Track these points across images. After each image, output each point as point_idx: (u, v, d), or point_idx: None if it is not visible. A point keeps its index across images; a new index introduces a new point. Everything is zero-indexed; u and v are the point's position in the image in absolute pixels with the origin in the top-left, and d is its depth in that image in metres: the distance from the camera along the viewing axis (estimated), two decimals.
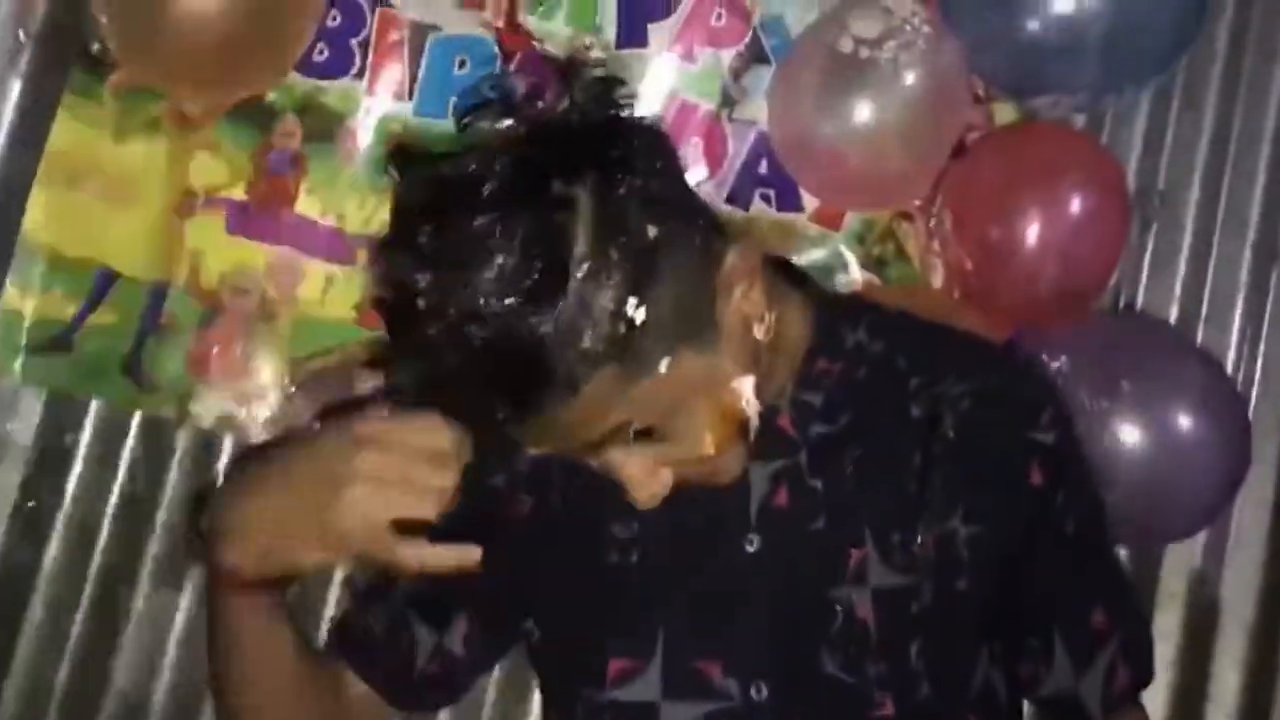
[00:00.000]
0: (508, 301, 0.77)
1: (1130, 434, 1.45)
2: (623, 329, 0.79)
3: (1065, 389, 1.44)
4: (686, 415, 0.86)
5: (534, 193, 0.79)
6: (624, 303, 0.79)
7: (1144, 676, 1.04)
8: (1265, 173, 1.75)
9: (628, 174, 0.81)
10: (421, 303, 0.79)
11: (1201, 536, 1.62)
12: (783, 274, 1.02)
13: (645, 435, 0.86)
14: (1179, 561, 1.67)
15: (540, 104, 0.86)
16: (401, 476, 0.83)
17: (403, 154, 0.86)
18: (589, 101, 0.86)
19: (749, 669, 0.97)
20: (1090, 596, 1.02)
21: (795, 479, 0.97)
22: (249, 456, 0.93)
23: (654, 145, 0.86)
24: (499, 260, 0.77)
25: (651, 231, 0.81)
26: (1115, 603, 1.03)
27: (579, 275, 0.78)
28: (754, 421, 0.90)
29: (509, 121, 0.84)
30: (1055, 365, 1.47)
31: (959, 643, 0.99)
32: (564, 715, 1.04)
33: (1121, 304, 1.70)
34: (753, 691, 0.96)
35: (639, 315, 0.80)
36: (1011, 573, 1.00)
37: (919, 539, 0.96)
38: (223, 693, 0.98)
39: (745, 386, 0.88)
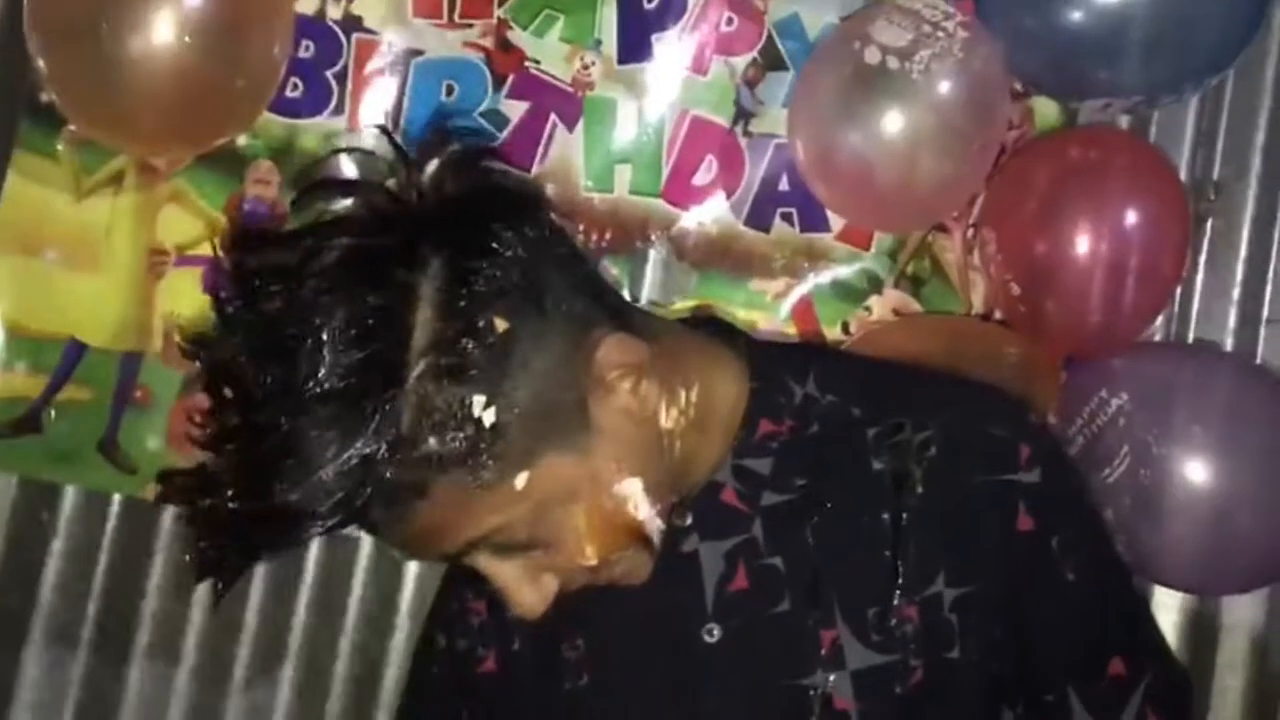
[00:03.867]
0: (330, 390, 0.69)
1: (1196, 476, 1.33)
2: (470, 431, 0.73)
3: (1126, 429, 1.35)
4: (559, 522, 0.79)
5: (370, 278, 0.71)
6: (468, 404, 0.73)
7: None
8: None
9: (481, 261, 0.74)
10: (231, 390, 0.71)
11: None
12: (714, 333, 0.93)
13: (510, 548, 0.79)
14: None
15: (389, 182, 0.76)
16: None
17: (233, 237, 0.76)
18: (447, 177, 0.77)
19: None
20: (1104, 645, 0.92)
21: (752, 557, 0.88)
22: None
23: (521, 223, 0.78)
24: (323, 345, 0.70)
25: (501, 325, 0.74)
26: (1135, 648, 0.93)
27: (416, 372, 0.71)
28: (652, 525, 0.83)
29: (350, 201, 0.75)
30: (1116, 403, 1.34)
31: (957, 717, 0.90)
32: None
33: (1177, 304, 1.59)
34: None
35: (488, 417, 0.73)
36: (1013, 631, 0.90)
37: (897, 610, 0.87)
38: None
39: (630, 488, 0.81)
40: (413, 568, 1.50)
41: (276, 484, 0.70)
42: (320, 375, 0.69)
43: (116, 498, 1.48)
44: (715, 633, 0.88)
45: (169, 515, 1.48)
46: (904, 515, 0.88)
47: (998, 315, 1.51)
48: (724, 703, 0.89)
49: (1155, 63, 1.40)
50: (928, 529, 0.88)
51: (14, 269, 1.44)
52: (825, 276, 1.53)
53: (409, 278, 0.72)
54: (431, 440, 0.72)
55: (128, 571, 1.48)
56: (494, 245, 0.74)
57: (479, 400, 0.73)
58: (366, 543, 1.50)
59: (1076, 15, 1.38)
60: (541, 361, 0.76)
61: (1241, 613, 1.57)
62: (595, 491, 0.80)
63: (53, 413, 1.44)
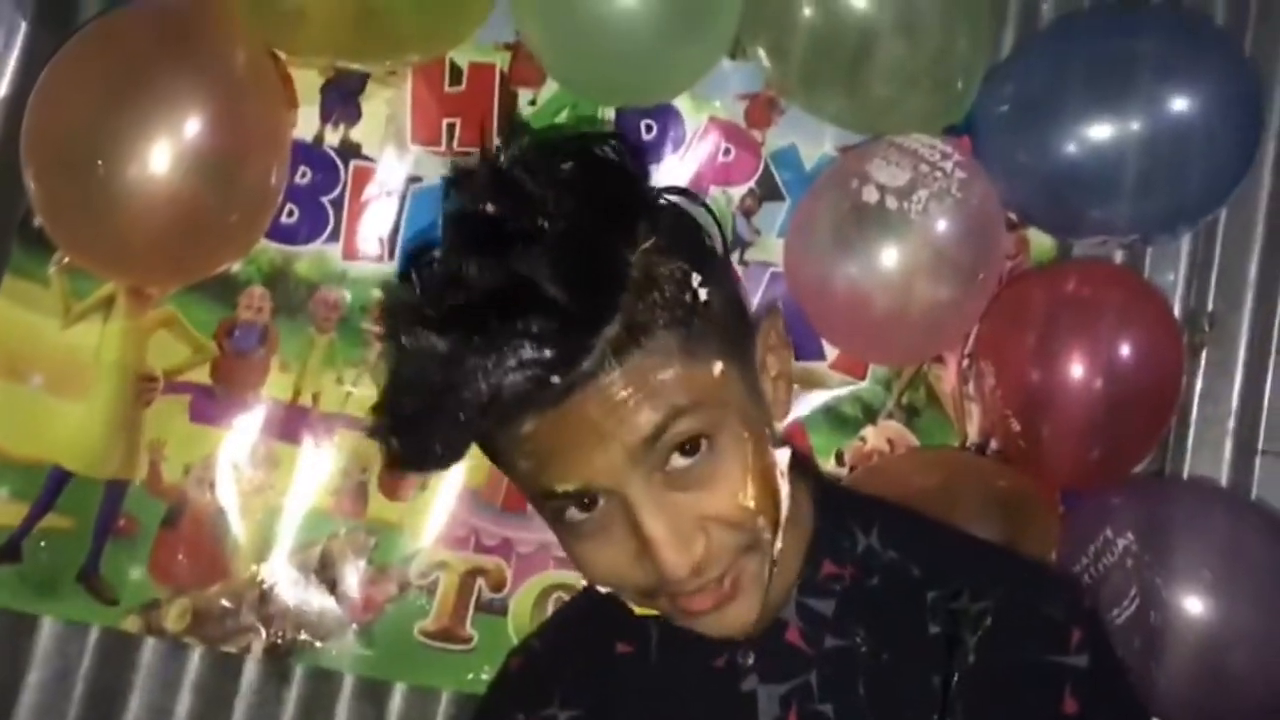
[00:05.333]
0: (593, 223, 0.82)
1: (1204, 617, 1.33)
2: (688, 297, 0.83)
3: (1134, 570, 1.35)
4: (730, 449, 0.85)
5: (614, 170, 0.86)
6: (689, 275, 0.84)
7: None
8: None
9: (686, 220, 0.90)
10: (505, 207, 0.82)
11: None
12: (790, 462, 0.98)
13: (692, 450, 0.84)
14: None
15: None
16: None
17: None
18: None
19: None
20: None
21: (805, 701, 0.93)
22: None
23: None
24: (582, 202, 0.82)
25: (708, 241, 0.89)
26: None
27: (645, 245, 0.83)
28: (774, 539, 0.88)
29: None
30: (1122, 543, 1.35)
31: None
32: None
33: (1174, 434, 1.60)
34: None
35: (701, 293, 0.84)
36: None
37: None
38: None
39: (782, 458, 0.89)
40: (395, 708, 1.48)
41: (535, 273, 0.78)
42: (580, 209, 0.81)
43: (95, 629, 1.44)
44: None
45: (148, 648, 1.44)
46: (954, 680, 0.90)
47: (994, 445, 1.51)
48: None
49: (1148, 202, 1.41)
50: (976, 697, 0.91)
51: None
52: (819, 406, 1.52)
53: (640, 190, 0.87)
54: (655, 294, 0.81)
55: (104, 705, 1.44)
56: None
57: (696, 276, 0.84)
58: (349, 679, 1.47)
59: (1071, 153, 1.40)
60: (729, 292, 0.88)
61: None
62: (760, 435, 0.87)
63: (35, 541, 1.41)
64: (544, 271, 0.77)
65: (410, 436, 0.82)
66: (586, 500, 0.84)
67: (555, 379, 0.78)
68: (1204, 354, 1.62)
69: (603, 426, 0.81)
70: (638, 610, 0.91)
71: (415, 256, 0.85)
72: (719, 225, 0.92)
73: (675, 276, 0.82)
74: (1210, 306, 1.62)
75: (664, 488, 0.83)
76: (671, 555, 0.83)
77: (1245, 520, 1.40)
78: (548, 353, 0.78)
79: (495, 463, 0.88)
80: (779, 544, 0.88)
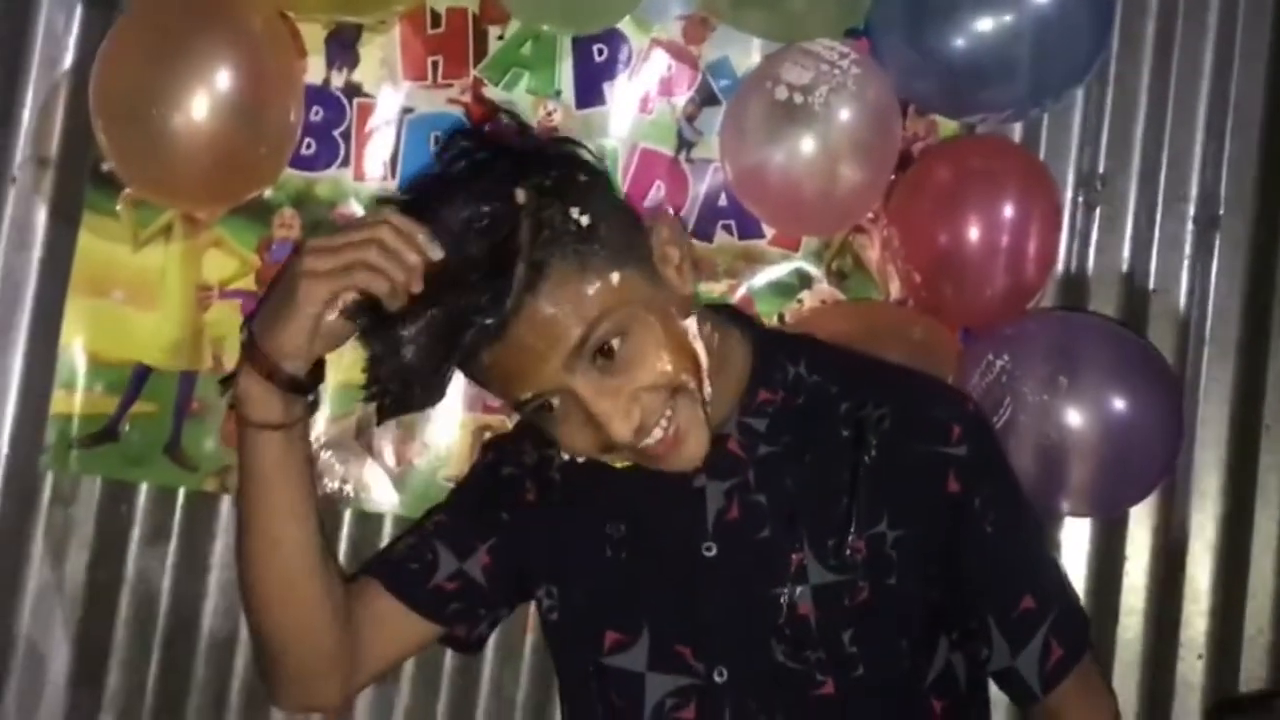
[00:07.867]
0: (482, 209, 0.99)
1: (1076, 422, 1.57)
2: (572, 228, 0.99)
3: (1006, 383, 1.59)
4: (643, 335, 1.01)
5: (495, 161, 1.02)
6: (568, 210, 0.99)
7: (1076, 651, 1.16)
8: (1200, 146, 1.84)
9: (558, 166, 1.03)
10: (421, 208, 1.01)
11: None
12: (726, 315, 1.17)
13: (609, 355, 1.01)
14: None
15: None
16: (333, 266, 1.00)
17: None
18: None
19: (713, 655, 1.12)
20: (1018, 584, 1.14)
21: (744, 494, 1.10)
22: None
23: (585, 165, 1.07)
24: (467, 195, 1.00)
25: (582, 178, 1.02)
26: (1042, 588, 1.16)
27: (526, 203, 0.98)
28: (706, 387, 1.05)
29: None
30: (1000, 363, 1.58)
31: (894, 630, 1.11)
32: (572, 680, 1.21)
33: (1073, 281, 1.81)
34: (715, 675, 1.12)
35: (583, 220, 0.99)
36: (943, 569, 1.12)
37: (850, 543, 1.09)
38: (247, 560, 1.11)
39: (690, 324, 1.04)
40: None
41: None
42: (471, 201, 0.99)
43: (181, 491, 1.69)
44: (713, 549, 1.11)
45: (225, 504, 1.69)
46: (860, 471, 1.10)
47: (910, 304, 1.72)
48: (717, 605, 1.11)
49: (1025, 83, 1.62)
50: (878, 483, 1.09)
51: (89, 309, 1.66)
52: (762, 278, 1.74)
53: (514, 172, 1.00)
54: (545, 233, 0.97)
55: (193, 551, 1.70)
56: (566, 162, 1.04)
57: (575, 209, 0.99)
58: (388, 518, 1.69)
59: (958, 45, 1.60)
60: (615, 209, 1.03)
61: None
62: (666, 312, 1.02)
63: (126, 425, 1.66)
64: (456, 256, 0.97)
65: (398, 392, 1.01)
66: (546, 401, 1.02)
67: (489, 320, 0.96)
68: (1098, 210, 1.81)
69: (537, 347, 0.98)
70: (617, 465, 1.08)
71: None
72: (596, 162, 1.07)
73: (557, 217, 0.97)
74: (1101, 169, 1.81)
75: (600, 375, 1.00)
76: (617, 425, 1.00)
77: (1095, 334, 1.63)
78: (479, 301, 0.95)
79: (482, 388, 1.07)
80: (708, 387, 1.05)
